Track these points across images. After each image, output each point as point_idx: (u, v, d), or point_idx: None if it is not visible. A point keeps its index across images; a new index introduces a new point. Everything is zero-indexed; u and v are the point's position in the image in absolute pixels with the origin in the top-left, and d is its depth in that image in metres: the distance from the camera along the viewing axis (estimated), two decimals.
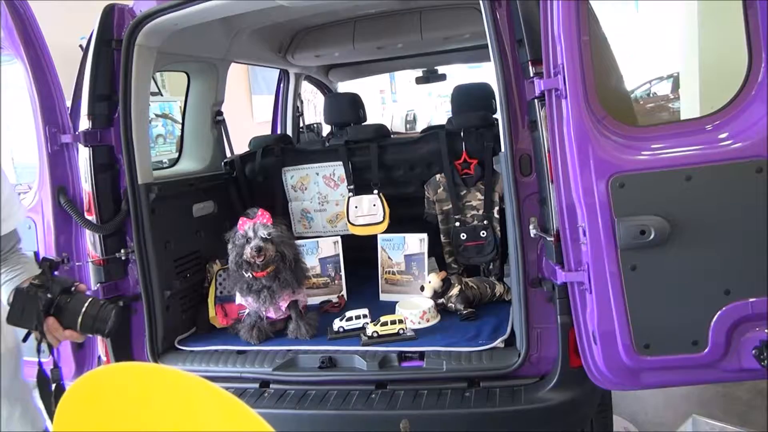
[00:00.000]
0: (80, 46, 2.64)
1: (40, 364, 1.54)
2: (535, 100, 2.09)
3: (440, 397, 2.29)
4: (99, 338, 2.59)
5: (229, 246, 2.69)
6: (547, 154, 2.08)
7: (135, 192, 2.62)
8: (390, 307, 2.90)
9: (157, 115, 6.23)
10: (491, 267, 3.20)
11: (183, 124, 3.57)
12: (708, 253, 1.88)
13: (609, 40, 2.31)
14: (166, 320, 2.72)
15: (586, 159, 1.89)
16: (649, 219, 1.86)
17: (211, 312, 2.96)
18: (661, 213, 1.86)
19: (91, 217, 2.56)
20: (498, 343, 2.43)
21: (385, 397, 2.33)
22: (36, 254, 2.49)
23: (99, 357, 2.69)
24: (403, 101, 13.57)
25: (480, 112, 3.26)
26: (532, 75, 2.10)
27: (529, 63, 2.11)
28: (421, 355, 2.43)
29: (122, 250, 2.64)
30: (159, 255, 2.70)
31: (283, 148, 3.53)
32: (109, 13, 2.59)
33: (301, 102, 5.12)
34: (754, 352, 1.87)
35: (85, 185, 2.57)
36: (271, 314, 2.76)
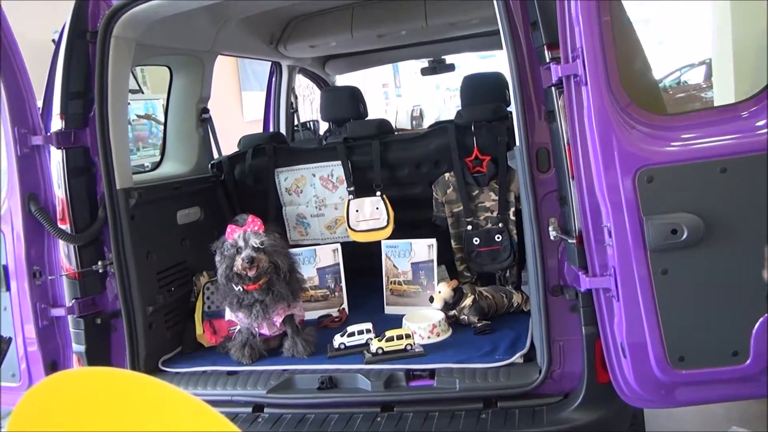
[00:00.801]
0: (53, 40, 2.64)
1: None
2: (553, 88, 2.08)
3: (453, 419, 2.27)
4: (75, 358, 2.58)
5: (217, 257, 2.69)
6: (566, 148, 2.07)
7: (113, 198, 2.62)
8: (396, 321, 2.88)
9: (139, 116, 6.24)
10: (508, 274, 3.19)
11: (165, 122, 3.57)
12: (747, 254, 1.86)
13: (633, 24, 2.30)
14: (148, 339, 2.71)
15: (610, 152, 1.88)
16: (681, 216, 1.85)
17: (199, 329, 2.96)
18: (694, 210, 1.85)
19: (65, 226, 2.56)
20: (516, 358, 2.42)
21: (392, 420, 2.31)
22: (5, 268, 2.51)
23: None
24: (408, 96, 13.59)
25: (492, 104, 3.26)
26: (548, 60, 2.09)
27: (545, 47, 2.10)
28: (432, 374, 2.41)
29: (99, 262, 2.63)
30: (140, 267, 2.70)
31: (276, 148, 3.54)
32: (82, 2, 2.59)
33: (296, 97, 5.13)
34: None
35: (58, 191, 2.57)
36: (265, 331, 2.75)
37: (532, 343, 2.46)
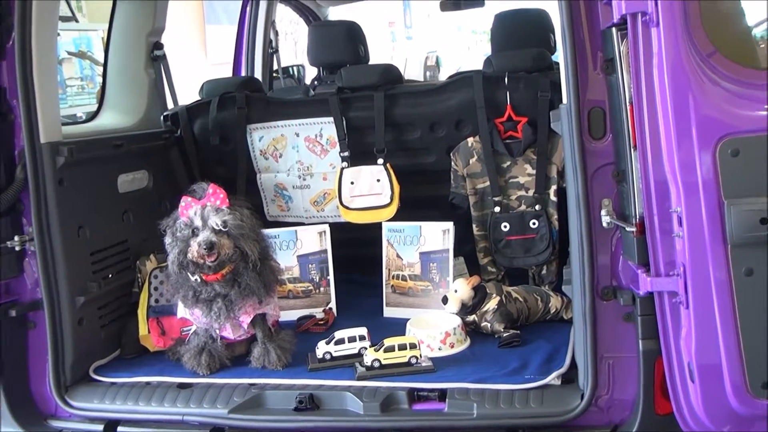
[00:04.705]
0: None
1: None
2: (613, 30, 2.07)
3: None
4: None
5: (168, 239, 2.68)
6: (628, 108, 2.06)
7: (36, 154, 2.61)
8: (398, 327, 2.89)
9: (70, 54, 6.22)
10: (544, 271, 3.20)
11: (106, 61, 3.56)
12: None
13: None
14: (77, 339, 2.72)
15: (685, 115, 1.88)
16: None
17: (143, 328, 2.96)
18: None
19: None
20: (552, 378, 2.42)
21: None
22: None
23: None
24: (421, 39, 13.54)
25: (532, 50, 3.24)
26: None
27: None
28: (442, 395, 2.42)
29: (16, 238, 2.63)
30: (69, 245, 2.70)
31: (249, 97, 3.52)
32: None
33: (276, 34, 5.11)
34: None
35: None
36: (228, 333, 2.76)
37: (573, 361, 2.46)
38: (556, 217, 3.13)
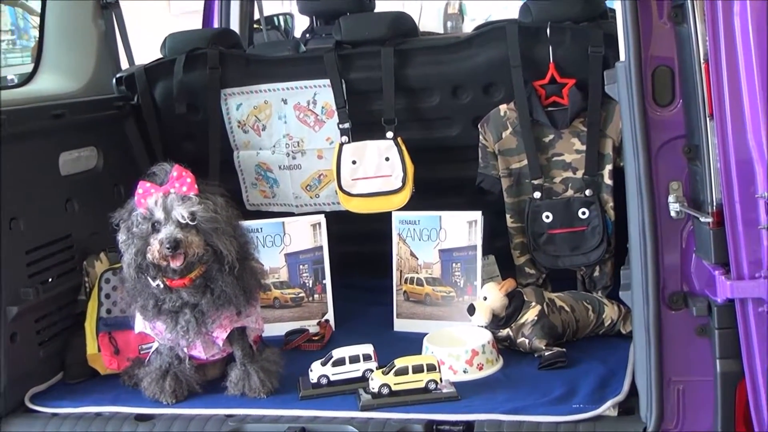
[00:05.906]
0: None
1: None
2: None
3: None
4: None
5: (122, 235, 2.68)
6: (703, 67, 2.06)
7: None
8: (413, 344, 2.91)
9: None
10: (597, 273, 3.20)
11: (43, 11, 3.56)
12: None
13: None
14: (10, 359, 2.73)
15: None
16: None
17: (91, 346, 2.98)
18: None
19: None
20: (607, 408, 2.43)
21: None
22: None
23: None
24: None
25: None
26: None
27: None
28: (469, 429, 2.42)
29: None
30: None
31: (224, 55, 3.53)
32: None
33: None
34: None
35: None
36: (199, 352, 2.77)
37: (632, 386, 2.47)
38: (611, 204, 3.13)
